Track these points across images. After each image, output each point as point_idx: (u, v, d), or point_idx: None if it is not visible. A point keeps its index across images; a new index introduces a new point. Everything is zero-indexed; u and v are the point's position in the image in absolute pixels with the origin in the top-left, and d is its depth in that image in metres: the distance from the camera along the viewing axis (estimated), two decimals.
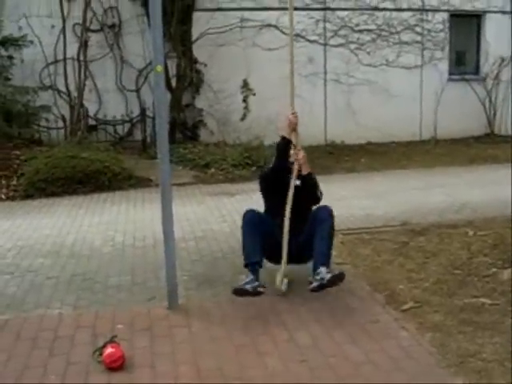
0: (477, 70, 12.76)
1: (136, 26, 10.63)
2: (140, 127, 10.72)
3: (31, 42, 10.09)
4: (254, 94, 10.38)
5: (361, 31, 11.63)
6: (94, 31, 10.63)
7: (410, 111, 11.90)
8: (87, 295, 4.22)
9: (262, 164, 8.49)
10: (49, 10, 10.47)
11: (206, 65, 10.89)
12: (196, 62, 10.87)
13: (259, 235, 4.10)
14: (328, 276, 3.90)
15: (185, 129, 10.96)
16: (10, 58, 9.94)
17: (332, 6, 11.27)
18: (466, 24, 12.65)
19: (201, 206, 7.20)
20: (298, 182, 4.29)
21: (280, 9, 10.51)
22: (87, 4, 10.21)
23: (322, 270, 3.95)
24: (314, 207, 4.36)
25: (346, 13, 11.45)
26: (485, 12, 12.49)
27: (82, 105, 10.27)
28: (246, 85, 10.28)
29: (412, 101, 11.97)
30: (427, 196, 7.38)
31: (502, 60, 12.41)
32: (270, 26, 10.92)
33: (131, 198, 7.71)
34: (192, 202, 7.36)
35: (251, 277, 3.96)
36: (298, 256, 4.22)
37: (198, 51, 10.81)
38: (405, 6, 11.84)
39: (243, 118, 10.64)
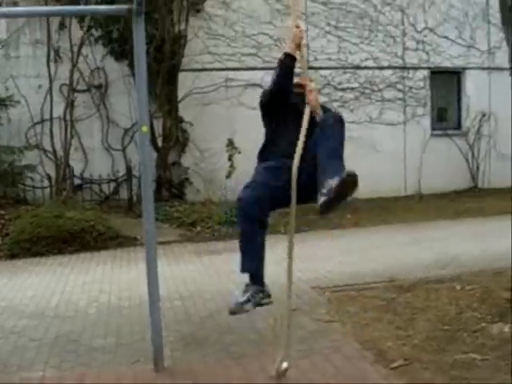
0: (459, 125, 12.99)
1: (122, 86, 10.75)
2: (126, 186, 10.73)
3: (18, 101, 10.19)
4: (240, 152, 10.43)
5: (344, 89, 11.85)
6: (80, 91, 10.75)
7: (394, 167, 12.02)
8: (71, 357, 4.13)
9: None
10: (36, 70, 10.62)
11: (191, 124, 11.01)
12: (182, 121, 10.99)
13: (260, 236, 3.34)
14: (335, 182, 3.15)
15: (171, 187, 10.98)
16: None
17: (315, 65, 11.49)
18: (447, 80, 12.94)
19: (187, 264, 7.15)
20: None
21: (264, 68, 10.69)
22: (74, 65, 10.35)
23: (329, 181, 3.18)
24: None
25: (329, 71, 11.69)
26: (464, 69, 12.81)
27: (67, 164, 10.29)
28: (231, 143, 10.35)
29: (396, 156, 12.10)
30: (413, 251, 7.38)
31: (483, 115, 12.65)
32: (254, 85, 11.09)
33: (117, 258, 7.65)
34: (178, 261, 7.31)
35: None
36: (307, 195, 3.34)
37: (184, 110, 10.94)
38: (386, 64, 12.12)
39: (229, 176, 10.66)
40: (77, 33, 10.33)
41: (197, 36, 10.84)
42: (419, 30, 12.35)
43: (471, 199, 11.51)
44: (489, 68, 12.77)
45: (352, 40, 11.86)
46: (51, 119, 10.37)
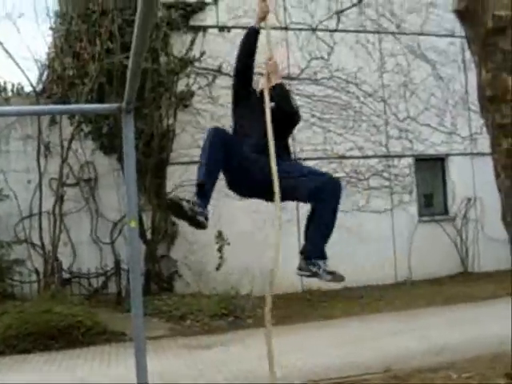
0: (445, 211, 13.13)
1: (111, 179, 10.85)
2: (114, 280, 10.64)
3: (7, 196, 10.25)
4: (229, 244, 10.47)
5: None
6: (70, 185, 10.83)
7: (383, 254, 12.03)
8: None
9: (239, 314, 8.39)
10: (26, 165, 10.74)
11: None
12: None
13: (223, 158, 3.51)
14: (328, 277, 3.51)
15: (160, 280, 10.88)
16: None
17: (301, 155, 11.68)
18: (431, 167, 13.20)
19: (177, 359, 7.00)
20: (272, 104, 3.60)
21: None
22: (64, 160, 10.50)
23: (320, 262, 3.54)
24: (317, 178, 3.58)
25: (315, 162, 11.86)
26: (447, 155, 13.09)
27: (56, 258, 10.24)
28: (220, 235, 10.39)
29: (385, 244, 12.14)
30: (407, 339, 7.28)
31: (469, 200, 12.82)
32: None
33: (105, 354, 7.48)
34: (168, 356, 7.16)
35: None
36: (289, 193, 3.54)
37: None
38: (371, 153, 12.37)
39: (218, 268, 10.65)
40: (67, 128, 10.55)
41: (185, 130, 11.06)
42: (401, 119, 12.70)
43: (462, 284, 11.48)
44: (471, 153, 13.06)
45: (337, 131, 12.15)
46: (40, 213, 10.41)
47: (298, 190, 3.59)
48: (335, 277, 3.55)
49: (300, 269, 3.63)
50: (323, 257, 3.58)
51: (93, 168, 11.08)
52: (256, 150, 3.65)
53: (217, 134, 3.57)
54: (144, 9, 2.51)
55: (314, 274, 3.55)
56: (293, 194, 3.64)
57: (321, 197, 3.51)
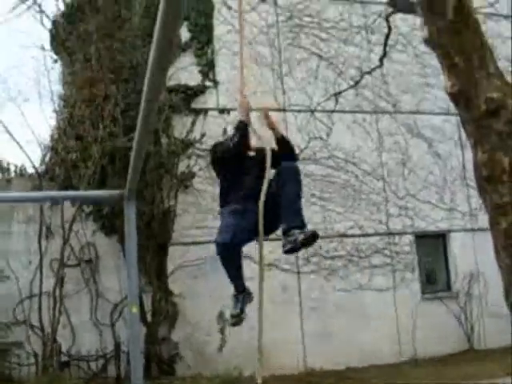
0: (448, 287, 13.03)
1: (112, 261, 10.82)
2: (114, 363, 10.45)
3: (7, 277, 10.20)
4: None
5: (332, 258, 11.99)
6: (70, 266, 10.79)
7: (386, 332, 11.86)
8: None
9: None
10: (27, 246, 10.72)
11: (183, 297, 10.94)
12: (172, 294, 10.95)
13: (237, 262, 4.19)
14: (301, 237, 3.90)
15: (160, 362, 10.68)
16: None
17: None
18: (432, 244, 13.19)
19: None
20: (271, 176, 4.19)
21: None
22: (65, 242, 10.52)
23: (295, 231, 3.93)
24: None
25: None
26: (448, 231, 13.10)
27: (55, 340, 10.10)
28: (222, 315, 10.29)
29: (388, 322, 11.98)
30: None
31: (471, 276, 12.74)
32: (245, 256, 11.23)
33: None
34: None
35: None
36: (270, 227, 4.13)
37: (174, 284, 10.93)
38: (371, 231, 12.39)
39: (220, 349, 10.50)
40: (69, 209, 10.61)
41: (186, 211, 11.13)
42: (401, 196, 12.79)
43: (468, 363, 11.25)
44: (472, 229, 13.07)
45: (336, 209, 12.22)
46: (40, 294, 10.33)
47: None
48: (306, 234, 3.93)
49: (283, 246, 4.01)
50: (300, 227, 3.99)
51: (93, 249, 11.06)
52: (247, 198, 4.21)
53: (221, 247, 4.10)
54: (146, 112, 2.61)
55: (292, 242, 3.92)
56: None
57: (287, 176, 4.12)
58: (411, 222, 12.81)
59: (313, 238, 3.94)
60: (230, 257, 4.12)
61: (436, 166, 13.23)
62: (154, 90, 2.43)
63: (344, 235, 12.18)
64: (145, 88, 2.46)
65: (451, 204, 13.22)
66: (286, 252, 4.01)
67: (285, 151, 4.42)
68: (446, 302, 12.60)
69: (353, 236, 12.25)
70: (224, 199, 4.44)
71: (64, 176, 10.79)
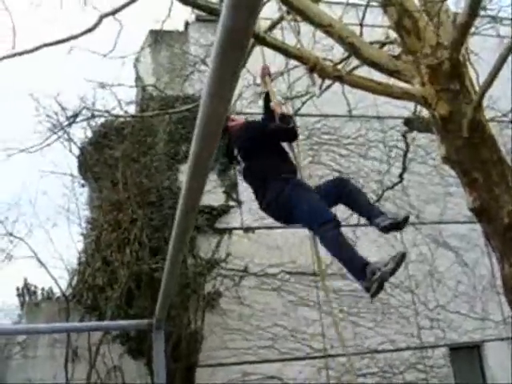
0: None
1: None
2: None
3: None
4: None
5: (364, 375, 11.64)
6: None
7: None
8: None
9: None
10: (53, 372, 10.55)
11: None
12: None
13: None
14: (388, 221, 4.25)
15: None
16: None
17: (332, 352, 11.46)
18: (467, 355, 12.76)
19: None
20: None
21: (280, 360, 10.73)
22: (92, 366, 10.38)
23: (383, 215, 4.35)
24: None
25: (346, 357, 11.60)
26: (483, 341, 12.72)
27: None
28: None
29: None
30: None
31: None
32: (272, 377, 10.98)
33: None
34: None
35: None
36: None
37: None
38: (403, 345, 12.07)
39: None
40: (95, 332, 10.53)
41: (213, 332, 11.01)
42: (431, 308, 12.55)
43: None
44: (508, 338, 12.68)
45: (366, 324, 11.99)
46: None
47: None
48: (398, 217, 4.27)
49: (382, 228, 4.28)
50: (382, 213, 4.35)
51: (120, 373, 10.89)
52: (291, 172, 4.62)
53: (334, 222, 4.43)
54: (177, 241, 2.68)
55: (393, 220, 4.18)
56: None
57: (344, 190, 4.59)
58: (443, 333, 12.49)
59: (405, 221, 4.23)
60: (340, 231, 4.30)
61: (464, 275, 13.05)
62: (185, 224, 2.49)
63: (375, 351, 11.88)
64: (176, 220, 2.51)
65: (483, 313, 12.91)
66: (386, 229, 4.25)
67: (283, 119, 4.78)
68: None
69: (384, 351, 11.94)
70: (277, 171, 4.54)
71: (91, 299, 10.82)
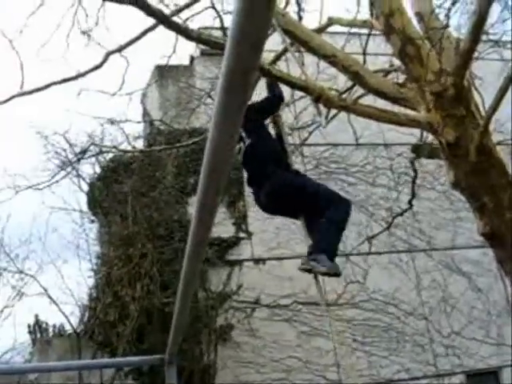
0: None
1: None
2: None
3: None
4: None
5: None
6: None
7: None
8: None
9: None
10: None
11: None
12: None
13: None
14: (323, 269, 3.96)
15: None
16: None
17: (348, 381, 11.31)
18: (485, 382, 12.55)
19: None
20: None
21: None
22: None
23: (323, 257, 3.98)
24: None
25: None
26: (500, 367, 12.52)
27: None
28: None
29: None
30: None
31: None
32: None
33: None
34: None
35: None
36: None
37: None
38: (420, 374, 11.89)
39: None
40: (107, 369, 10.47)
41: (226, 366, 10.90)
42: (446, 335, 12.39)
43: None
44: None
45: (381, 353, 11.84)
46: None
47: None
48: (330, 268, 3.97)
49: (302, 263, 4.08)
50: (327, 253, 4.02)
51: None
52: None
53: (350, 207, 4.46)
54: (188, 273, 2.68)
55: (312, 267, 4.00)
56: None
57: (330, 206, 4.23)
58: (459, 360, 12.31)
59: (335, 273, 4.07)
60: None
61: (478, 300, 12.91)
62: (195, 257, 2.48)
63: (391, 380, 11.71)
64: (186, 253, 2.50)
65: (499, 338, 12.73)
66: (302, 269, 4.11)
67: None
68: None
69: (400, 380, 11.77)
70: (280, 160, 4.56)
71: (102, 335, 10.76)
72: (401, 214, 11.75)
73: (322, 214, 4.16)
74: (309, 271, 4.05)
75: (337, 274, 4.06)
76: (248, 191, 12.10)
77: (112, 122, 11.12)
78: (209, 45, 6.41)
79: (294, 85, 5.59)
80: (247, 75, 1.39)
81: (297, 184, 4.40)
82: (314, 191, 4.36)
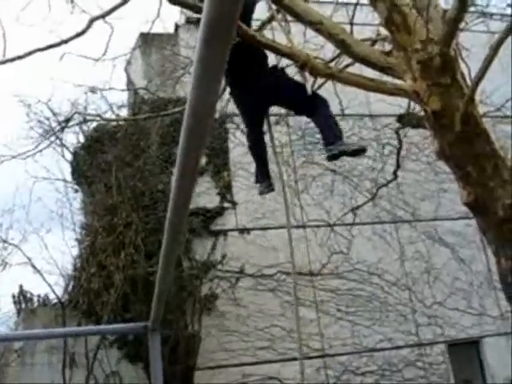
0: None
1: None
2: None
3: None
4: None
5: (363, 373, 11.62)
6: None
7: None
8: None
9: None
10: (50, 378, 10.47)
11: None
12: None
13: None
14: (354, 147, 4.66)
15: None
16: None
17: (330, 352, 11.43)
18: (466, 351, 12.74)
19: None
20: None
21: (280, 360, 10.70)
22: (90, 372, 10.33)
23: (343, 142, 4.61)
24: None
25: (345, 357, 11.58)
26: (481, 337, 12.70)
27: None
28: None
29: None
30: None
31: (511, 381, 12.20)
32: (272, 378, 10.95)
33: None
34: None
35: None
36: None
37: None
38: (401, 343, 12.05)
39: None
40: (92, 338, 10.48)
41: (210, 334, 10.97)
42: (428, 305, 12.54)
43: None
44: (505, 333, 12.67)
45: (364, 323, 11.97)
46: None
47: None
48: (358, 145, 4.97)
49: (329, 157, 4.60)
50: (340, 138, 4.62)
51: (118, 378, 10.83)
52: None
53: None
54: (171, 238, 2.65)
55: (342, 150, 4.52)
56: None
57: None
58: (441, 330, 12.47)
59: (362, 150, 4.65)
60: None
61: (461, 271, 13.04)
62: (177, 223, 2.45)
63: (374, 349, 11.85)
64: (167, 220, 2.47)
65: (480, 309, 12.90)
66: (331, 157, 4.55)
67: None
68: None
69: (383, 350, 11.92)
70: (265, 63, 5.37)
71: (87, 304, 10.76)
72: (385, 185, 11.77)
73: (306, 109, 4.95)
74: (340, 155, 4.55)
75: (364, 149, 4.69)
76: (233, 161, 12.12)
77: (95, 90, 10.97)
78: (192, 9, 6.30)
79: (279, 51, 5.52)
80: (227, 28, 1.35)
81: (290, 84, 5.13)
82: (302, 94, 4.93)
